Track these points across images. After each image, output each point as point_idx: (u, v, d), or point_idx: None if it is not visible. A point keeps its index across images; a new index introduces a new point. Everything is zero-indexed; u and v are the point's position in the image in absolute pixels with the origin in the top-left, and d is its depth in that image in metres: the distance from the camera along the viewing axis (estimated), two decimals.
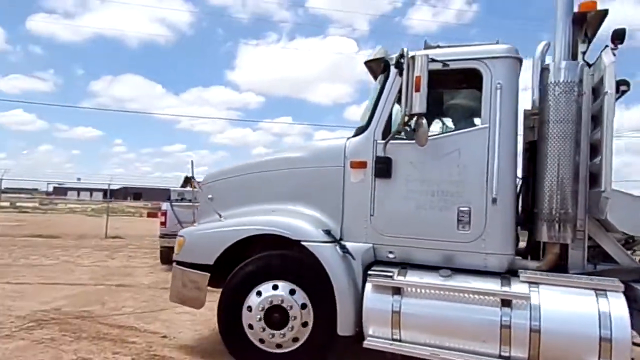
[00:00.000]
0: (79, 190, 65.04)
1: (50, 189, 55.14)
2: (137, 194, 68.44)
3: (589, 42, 3.60)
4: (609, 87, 3.21)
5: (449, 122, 4.27)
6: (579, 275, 3.34)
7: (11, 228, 17.45)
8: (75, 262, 10.11)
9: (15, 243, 13.22)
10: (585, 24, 3.57)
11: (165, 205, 9.95)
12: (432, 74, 3.41)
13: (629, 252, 3.60)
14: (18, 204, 37.32)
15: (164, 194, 14.46)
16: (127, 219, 29.05)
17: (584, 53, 3.59)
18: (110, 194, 24.11)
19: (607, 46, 3.45)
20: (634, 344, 3.18)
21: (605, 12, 3.48)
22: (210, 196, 4.44)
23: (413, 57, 3.36)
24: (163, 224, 9.58)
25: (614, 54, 3.35)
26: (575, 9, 3.56)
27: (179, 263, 4.27)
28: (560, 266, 3.49)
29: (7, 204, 23.60)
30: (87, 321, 5.32)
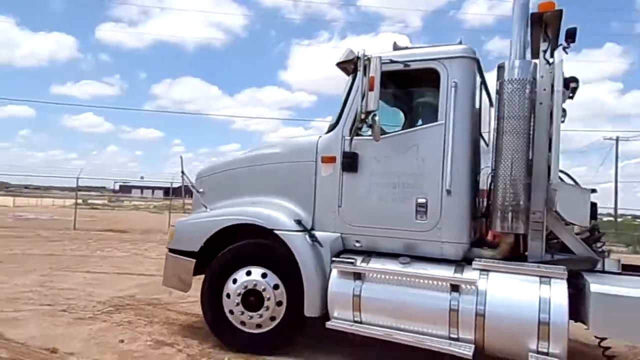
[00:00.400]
0: (142, 188, 68.17)
1: (117, 187, 58.97)
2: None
3: (550, 41, 3.68)
4: (557, 84, 3.42)
5: (417, 119, 4.42)
6: (527, 264, 3.48)
7: (86, 223, 18.55)
8: (144, 255, 10.76)
9: (90, 237, 14.39)
10: (544, 23, 3.67)
11: None
12: (396, 74, 3.79)
13: (595, 244, 3.78)
14: (89, 201, 40.49)
15: None
16: (187, 215, 29.26)
17: (544, 52, 3.67)
18: (172, 192, 25.35)
19: (560, 44, 3.61)
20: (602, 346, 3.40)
21: (559, 12, 3.57)
22: (201, 190, 4.84)
23: (369, 59, 3.57)
24: None
25: (566, 52, 3.54)
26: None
27: (171, 250, 4.58)
28: (520, 256, 3.66)
29: (80, 200, 25.57)
30: (157, 308, 5.80)
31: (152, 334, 4.70)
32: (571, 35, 3.55)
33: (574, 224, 3.56)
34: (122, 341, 4.43)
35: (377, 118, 3.60)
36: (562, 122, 3.71)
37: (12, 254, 9.79)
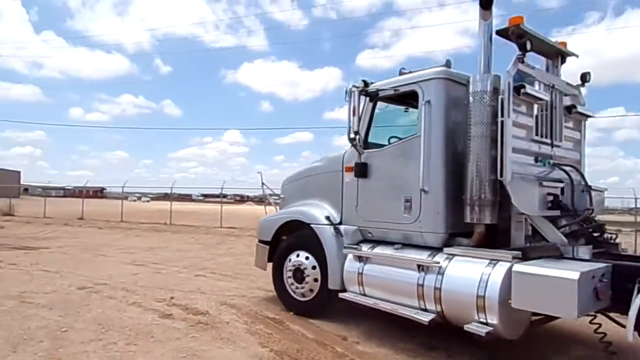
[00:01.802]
0: None
1: None
2: None
3: (526, 53, 3.99)
4: (505, 91, 3.82)
5: (408, 132, 4.83)
6: (484, 249, 3.91)
7: None
8: None
9: None
10: (512, 37, 4.01)
11: None
12: (390, 97, 4.80)
13: (600, 234, 4.19)
14: None
15: None
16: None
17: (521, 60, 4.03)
18: None
19: (517, 55, 3.96)
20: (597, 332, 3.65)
21: (517, 26, 3.93)
22: (282, 196, 6.26)
23: (351, 91, 4.68)
24: None
25: (523, 62, 3.95)
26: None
27: (259, 240, 6.02)
28: (503, 243, 4.01)
29: None
30: None
31: None
32: (523, 46, 3.94)
33: (525, 214, 3.90)
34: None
35: (358, 137, 4.69)
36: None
37: None
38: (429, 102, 4.31)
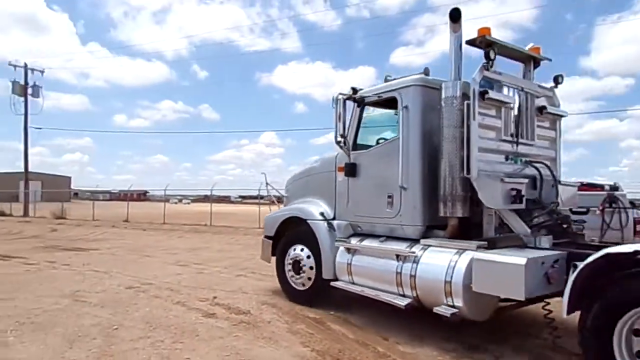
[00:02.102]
0: None
1: None
2: None
3: (490, 61, 4.27)
4: (471, 97, 4.11)
5: (391, 135, 5.16)
6: (454, 240, 4.29)
7: None
8: None
9: None
10: (480, 46, 4.34)
11: None
12: (375, 102, 5.20)
13: (565, 224, 4.44)
14: None
15: None
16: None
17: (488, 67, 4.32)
18: None
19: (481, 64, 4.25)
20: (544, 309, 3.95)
21: (483, 37, 4.27)
22: (286, 195, 6.76)
23: (336, 98, 5.11)
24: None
25: (488, 69, 4.23)
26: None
27: (264, 236, 6.49)
28: (476, 235, 4.34)
29: None
30: None
31: None
32: (487, 55, 4.23)
33: (491, 207, 4.24)
34: None
35: (347, 140, 5.22)
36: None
37: None
38: (406, 107, 4.71)
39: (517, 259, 3.53)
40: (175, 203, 53.22)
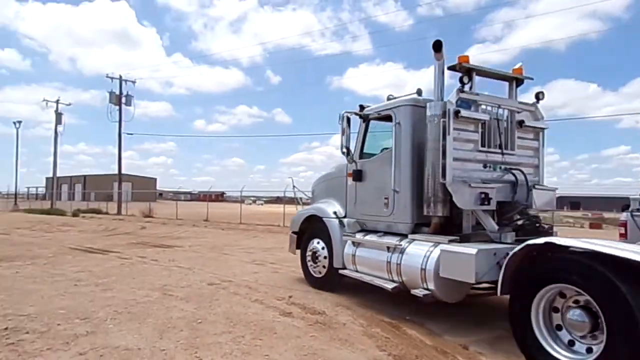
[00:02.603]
0: None
1: None
2: (574, 203, 62.70)
3: (470, 83, 5.07)
4: (447, 115, 4.84)
5: (389, 146, 5.85)
6: (433, 235, 5.09)
7: None
8: None
9: None
10: (465, 62, 5.03)
11: (624, 216, 8.17)
12: (377, 118, 6.05)
13: (531, 222, 5.16)
14: None
15: (605, 203, 12.69)
16: (567, 229, 24.46)
17: (465, 90, 5.03)
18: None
19: (457, 87, 4.98)
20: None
21: (463, 65, 5.01)
22: (312, 196, 7.77)
23: (341, 116, 6.03)
24: (623, 235, 7.97)
25: (462, 91, 4.95)
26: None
27: (291, 232, 7.47)
28: (457, 231, 5.07)
29: None
30: None
31: None
32: (462, 80, 4.97)
33: (464, 208, 4.97)
34: None
35: (350, 151, 6.15)
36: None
37: None
38: (399, 123, 5.54)
39: (470, 250, 4.32)
40: (250, 204, 55.33)
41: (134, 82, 35.40)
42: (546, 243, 3.76)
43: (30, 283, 6.81)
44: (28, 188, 65.39)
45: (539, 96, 5.72)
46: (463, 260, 4.33)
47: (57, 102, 40.04)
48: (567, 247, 3.69)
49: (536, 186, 5.44)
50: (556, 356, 3.59)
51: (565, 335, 3.62)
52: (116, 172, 36.09)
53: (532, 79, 5.73)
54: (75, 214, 29.69)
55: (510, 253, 3.99)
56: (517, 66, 5.67)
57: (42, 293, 6.11)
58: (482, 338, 4.50)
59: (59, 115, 39.87)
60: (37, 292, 6.15)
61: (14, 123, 46.41)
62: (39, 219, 24.70)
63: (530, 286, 3.78)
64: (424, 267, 4.80)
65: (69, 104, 42.39)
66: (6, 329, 4.48)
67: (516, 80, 5.62)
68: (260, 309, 5.46)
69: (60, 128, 40.06)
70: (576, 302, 3.56)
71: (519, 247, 3.93)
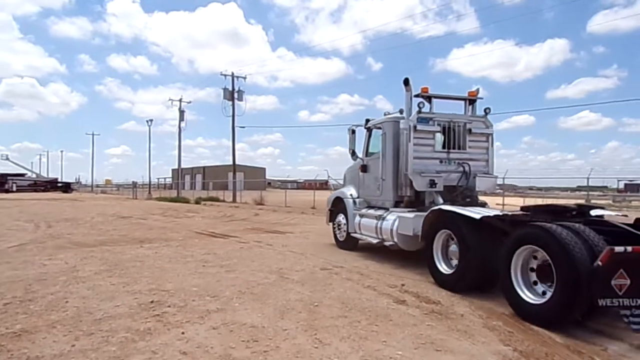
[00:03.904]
0: None
1: (621, 185, 52.78)
2: None
3: (429, 103, 7.51)
4: (409, 129, 7.33)
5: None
6: (407, 208, 7.53)
7: None
8: None
9: None
10: (425, 92, 7.47)
11: None
12: (374, 128, 8.68)
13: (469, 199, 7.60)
14: (592, 200, 30.00)
15: None
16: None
17: (423, 110, 7.39)
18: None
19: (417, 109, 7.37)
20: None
21: (422, 94, 7.46)
22: (343, 182, 10.54)
23: (349, 129, 9.11)
24: None
25: (420, 112, 7.31)
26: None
27: (328, 209, 10.26)
28: (421, 205, 7.56)
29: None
30: None
31: None
32: (422, 103, 7.32)
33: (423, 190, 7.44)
34: None
35: (354, 152, 9.19)
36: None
37: None
38: (385, 133, 8.08)
39: (410, 215, 6.98)
40: None
41: (244, 77, 37.77)
42: (439, 209, 6.32)
43: (167, 262, 7.69)
44: (158, 179, 73.64)
45: (486, 111, 7.90)
46: (407, 221, 6.99)
47: (180, 100, 44.39)
48: (447, 210, 6.08)
49: (479, 175, 7.56)
50: (442, 270, 6.13)
51: (453, 260, 6.01)
52: (230, 162, 38.94)
53: (482, 98, 7.87)
54: (197, 202, 32.74)
55: (424, 215, 6.57)
56: (472, 89, 7.88)
57: (178, 272, 6.85)
58: (622, 338, 4.03)
59: (181, 113, 44.17)
60: (174, 271, 6.91)
61: (147, 121, 53.09)
62: (168, 206, 27.72)
63: (432, 231, 6.37)
64: (392, 228, 7.35)
65: (189, 102, 46.77)
66: (152, 302, 5.11)
67: (469, 100, 7.84)
68: (373, 296, 5.50)
69: (182, 124, 44.43)
70: (452, 239, 6.00)
71: (428, 211, 6.51)
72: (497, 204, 25.05)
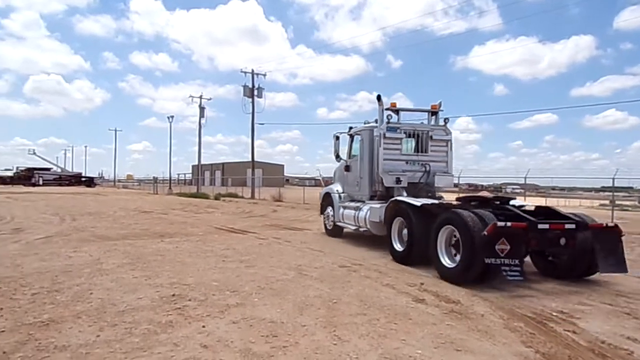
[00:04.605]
0: None
1: None
2: None
3: (397, 115, 9.40)
4: (380, 136, 9.01)
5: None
6: (379, 201, 9.09)
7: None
8: None
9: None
10: (394, 107, 9.34)
11: None
12: (355, 134, 10.29)
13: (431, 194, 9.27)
14: (617, 202, 32.39)
15: None
16: None
17: (391, 120, 9.13)
18: None
19: (386, 120, 9.09)
20: None
21: (391, 108, 9.28)
22: (332, 180, 12.05)
23: (335, 135, 10.88)
24: None
25: (389, 122, 8.99)
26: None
27: (320, 203, 12.03)
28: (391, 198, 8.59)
29: (606, 202, 26.35)
30: None
31: None
32: (392, 115, 9.10)
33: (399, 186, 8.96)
34: None
35: (338, 155, 10.95)
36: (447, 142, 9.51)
37: None
38: (362, 139, 9.71)
39: (378, 205, 8.73)
40: None
41: (264, 75, 37.96)
42: (394, 199, 8.15)
43: (187, 257, 7.80)
44: (178, 174, 74.71)
45: (446, 120, 9.59)
46: (375, 211, 8.71)
47: (200, 97, 44.84)
48: (400, 200, 7.94)
49: (438, 173, 9.16)
50: (397, 248, 7.88)
51: (405, 240, 7.66)
52: (249, 159, 39.20)
53: (442, 110, 9.64)
54: (216, 198, 33.08)
55: (386, 204, 8.39)
56: (435, 103, 9.61)
57: (198, 266, 6.95)
58: None
59: (202, 110, 44.62)
60: (194, 265, 7.02)
61: (168, 118, 53.73)
62: (188, 202, 28.10)
63: (390, 217, 8.13)
64: (365, 216, 9.09)
65: (210, 99, 47.21)
66: (173, 295, 5.20)
67: (432, 112, 9.65)
68: (392, 294, 5.48)
69: (203, 121, 44.88)
70: (404, 223, 7.70)
71: (388, 202, 8.33)
72: None
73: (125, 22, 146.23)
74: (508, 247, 5.47)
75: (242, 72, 37.36)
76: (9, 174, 72.12)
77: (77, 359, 3.38)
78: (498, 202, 7.17)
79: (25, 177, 68.97)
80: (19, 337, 3.80)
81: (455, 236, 6.19)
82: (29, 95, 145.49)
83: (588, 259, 6.10)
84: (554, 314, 4.76)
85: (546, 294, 5.63)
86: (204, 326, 4.15)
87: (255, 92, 37.03)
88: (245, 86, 36.92)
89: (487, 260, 5.45)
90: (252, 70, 37.22)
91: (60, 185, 66.01)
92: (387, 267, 7.14)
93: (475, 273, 5.77)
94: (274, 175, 59.59)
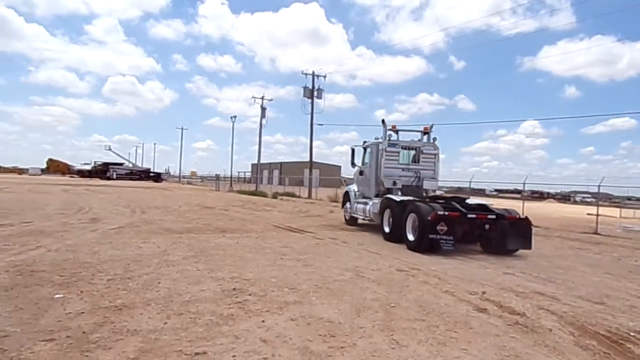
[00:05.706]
0: None
1: None
2: None
3: (397, 134, 13.02)
4: (382, 150, 12.59)
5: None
6: (378, 199, 12.34)
7: None
8: None
9: None
10: (394, 129, 13.03)
11: None
12: (367, 147, 13.79)
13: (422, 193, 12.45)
14: None
15: None
16: None
17: (391, 138, 12.75)
18: None
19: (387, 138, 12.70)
20: None
21: (393, 129, 12.96)
22: (352, 177, 16.40)
23: (351, 148, 14.36)
24: None
25: (390, 139, 12.55)
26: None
27: (342, 200, 16.26)
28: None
29: None
30: None
31: None
32: (392, 132, 12.90)
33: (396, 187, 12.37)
34: None
35: (354, 163, 14.23)
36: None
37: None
38: (371, 152, 13.16)
39: (377, 200, 12.10)
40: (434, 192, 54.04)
41: (324, 76, 38.33)
42: (385, 197, 11.48)
43: (247, 252, 8.04)
44: (238, 172, 77.21)
45: (434, 139, 12.99)
46: (376, 205, 11.93)
47: (262, 98, 46.05)
48: (388, 197, 11.27)
49: (426, 179, 12.36)
50: (386, 230, 11.05)
51: (390, 225, 10.86)
52: (307, 159, 39.67)
53: (432, 131, 13.10)
54: (274, 196, 33.82)
55: (381, 199, 11.83)
56: (427, 125, 13.17)
57: (257, 262, 7.14)
58: None
59: (263, 110, 45.81)
60: (253, 261, 7.22)
61: (231, 118, 55.86)
62: (247, 199, 28.95)
63: (382, 209, 11.29)
64: (369, 209, 12.37)
65: (270, 100, 48.35)
66: (234, 289, 5.38)
67: (424, 132, 13.12)
68: (452, 301, 5.33)
69: (264, 121, 46.10)
70: (390, 214, 10.90)
71: (382, 198, 11.68)
72: (589, 214, 23.03)
73: (194, 26, 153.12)
74: (445, 228, 8.75)
75: (302, 73, 38.02)
76: (88, 167, 78.38)
77: (147, 343, 3.59)
78: (454, 201, 10.31)
79: (102, 171, 74.58)
80: (97, 319, 4.10)
81: (415, 221, 9.37)
82: (107, 95, 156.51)
83: (505, 238, 9.16)
84: (632, 334, 4.40)
85: (622, 312, 5.22)
86: (263, 321, 4.26)
87: (315, 94, 37.45)
88: (305, 87, 37.47)
89: (431, 236, 8.72)
90: (313, 72, 37.69)
91: (131, 179, 70.54)
92: (446, 274, 6.94)
93: (425, 244, 8.87)
94: (330, 175, 59.85)
